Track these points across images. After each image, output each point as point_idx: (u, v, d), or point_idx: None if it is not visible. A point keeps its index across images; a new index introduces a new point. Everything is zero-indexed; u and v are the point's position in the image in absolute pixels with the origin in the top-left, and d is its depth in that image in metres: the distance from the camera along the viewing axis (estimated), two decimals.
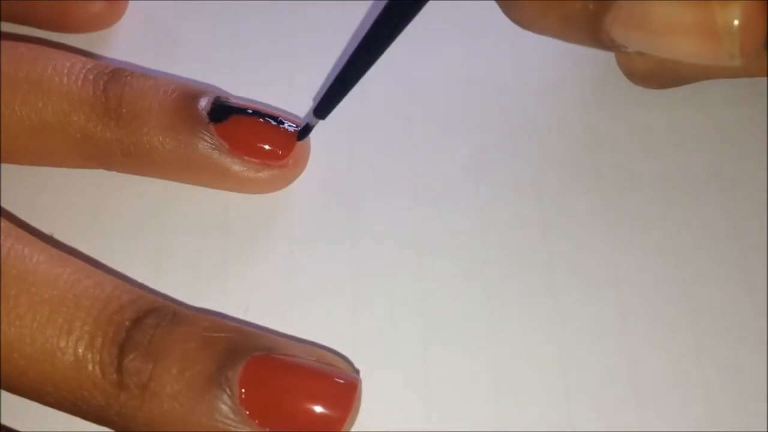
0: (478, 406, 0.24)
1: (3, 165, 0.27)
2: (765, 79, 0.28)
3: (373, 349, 0.25)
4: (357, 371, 0.24)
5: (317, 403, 0.22)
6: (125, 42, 0.30)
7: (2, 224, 0.24)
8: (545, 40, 0.25)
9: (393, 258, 0.27)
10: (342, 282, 0.26)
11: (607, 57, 0.29)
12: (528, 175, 0.28)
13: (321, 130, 0.26)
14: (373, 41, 0.24)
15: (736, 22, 0.21)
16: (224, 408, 0.22)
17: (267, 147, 0.26)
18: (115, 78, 0.26)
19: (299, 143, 0.27)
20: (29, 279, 0.23)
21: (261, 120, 0.26)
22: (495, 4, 0.26)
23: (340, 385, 0.22)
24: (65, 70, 0.26)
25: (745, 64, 0.22)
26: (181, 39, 0.31)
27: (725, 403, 0.24)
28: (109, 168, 0.27)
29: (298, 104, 0.29)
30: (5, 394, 0.23)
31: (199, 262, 0.26)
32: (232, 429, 0.22)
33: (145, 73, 0.27)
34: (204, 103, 0.26)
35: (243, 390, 0.22)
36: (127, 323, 0.22)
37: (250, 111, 0.27)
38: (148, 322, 0.22)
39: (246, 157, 0.26)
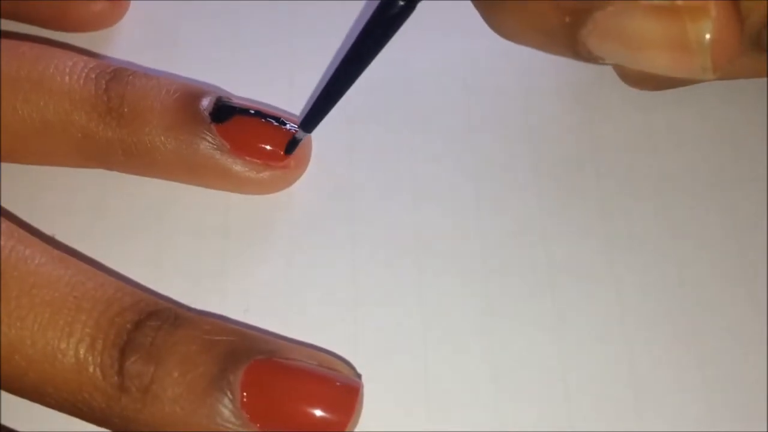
0: (478, 406, 0.25)
1: (4, 164, 0.27)
2: (765, 79, 0.28)
3: (373, 349, 0.25)
4: (359, 375, 0.24)
5: (319, 407, 0.22)
6: (126, 41, 0.30)
7: (3, 225, 0.24)
8: None
9: (393, 259, 0.27)
10: (342, 282, 0.26)
11: None
12: (528, 175, 0.28)
13: (322, 132, 0.26)
14: (357, 55, 0.24)
15: (707, 36, 0.21)
16: (225, 411, 0.22)
17: (269, 148, 0.26)
18: (117, 77, 0.26)
19: (300, 145, 0.27)
20: (30, 281, 0.23)
21: (263, 120, 0.26)
22: None
23: (341, 388, 0.22)
24: (67, 69, 0.26)
25: (723, 75, 0.22)
26: (181, 39, 0.31)
27: (725, 403, 0.24)
28: (110, 168, 0.27)
29: (298, 104, 0.29)
30: (5, 394, 0.23)
31: (199, 263, 0.26)
32: None
33: (147, 73, 0.27)
34: (206, 103, 0.26)
35: (244, 393, 0.22)
36: (128, 326, 0.22)
37: (252, 111, 0.27)
38: (149, 324, 0.22)
39: (248, 158, 0.26)
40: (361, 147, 0.28)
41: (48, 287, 0.23)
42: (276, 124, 0.26)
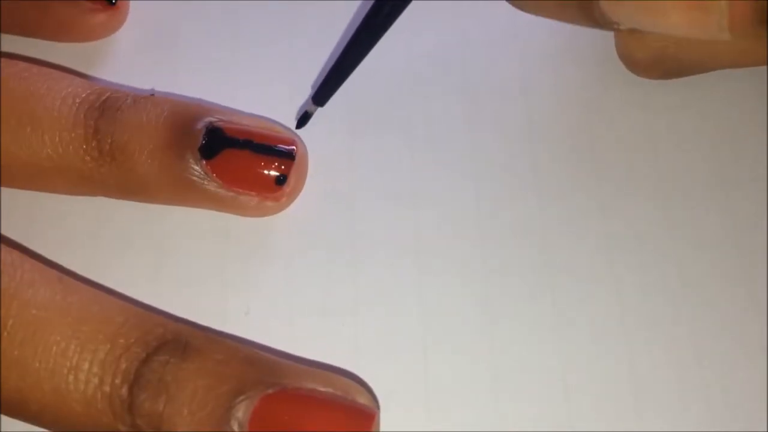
0: (478, 406, 0.25)
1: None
2: (765, 78, 0.28)
3: (373, 350, 0.25)
4: (375, 399, 0.24)
5: None
6: (126, 42, 0.30)
7: (3, 253, 0.24)
8: (546, 41, 0.25)
9: (393, 259, 0.27)
10: (342, 283, 0.26)
11: (608, 56, 0.29)
12: (528, 175, 0.28)
13: (321, 133, 0.26)
14: (369, 29, 0.24)
15: None
16: None
17: (261, 182, 0.26)
18: (106, 114, 0.26)
19: (294, 170, 0.26)
20: (34, 323, 0.23)
21: (253, 154, 0.26)
22: (496, 4, 0.26)
23: (355, 418, 0.22)
24: (55, 112, 0.26)
25: (738, 43, 0.22)
26: (181, 39, 0.31)
27: (725, 403, 0.24)
28: (108, 197, 0.27)
29: (297, 104, 0.29)
30: None
31: (199, 265, 0.26)
32: None
33: (137, 101, 0.26)
34: (195, 139, 0.26)
35: (255, 429, 0.22)
36: (136, 362, 0.22)
37: (242, 140, 0.26)
38: (158, 359, 0.22)
39: (241, 191, 0.26)
40: (360, 148, 0.28)
41: (54, 328, 0.23)
42: (268, 155, 0.26)
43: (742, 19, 0.21)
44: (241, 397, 0.22)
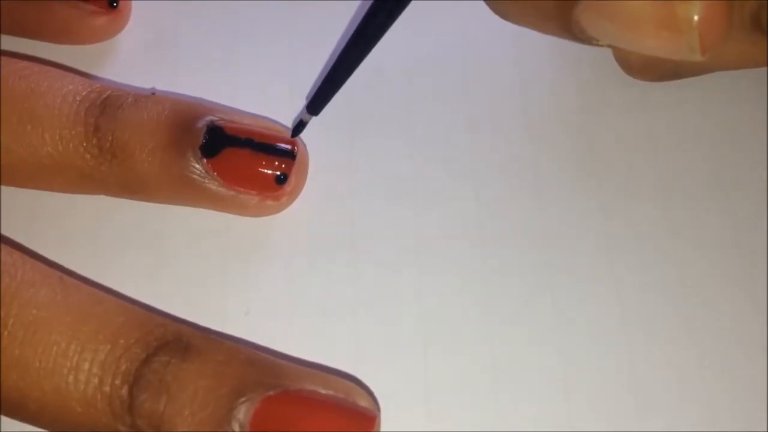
0: (478, 406, 0.25)
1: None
2: (765, 78, 0.28)
3: (373, 350, 0.25)
4: (376, 400, 0.24)
5: None
6: (126, 42, 0.30)
7: (3, 254, 0.24)
8: (544, 43, 0.25)
9: (393, 259, 0.27)
10: (342, 283, 0.26)
11: (606, 58, 0.29)
12: (528, 175, 0.28)
13: (321, 133, 0.26)
14: (362, 37, 0.24)
15: (695, 17, 0.21)
16: None
17: (262, 181, 0.26)
18: (107, 112, 0.26)
19: (295, 170, 0.26)
20: (34, 323, 0.23)
21: (254, 152, 0.26)
22: None
23: (355, 419, 0.22)
24: (56, 110, 0.26)
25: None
26: (181, 39, 0.31)
27: (725, 403, 0.24)
28: (108, 195, 0.27)
29: (297, 104, 0.29)
30: None
31: (199, 265, 0.26)
32: None
33: (138, 99, 0.26)
34: (196, 137, 0.26)
35: (255, 430, 0.22)
36: (137, 363, 0.22)
37: (243, 139, 0.26)
38: (158, 360, 0.22)
39: (241, 190, 0.26)
40: (360, 148, 0.28)
41: (54, 328, 0.23)
42: (269, 154, 0.26)
43: (714, 40, 0.22)
44: (243, 399, 0.22)
